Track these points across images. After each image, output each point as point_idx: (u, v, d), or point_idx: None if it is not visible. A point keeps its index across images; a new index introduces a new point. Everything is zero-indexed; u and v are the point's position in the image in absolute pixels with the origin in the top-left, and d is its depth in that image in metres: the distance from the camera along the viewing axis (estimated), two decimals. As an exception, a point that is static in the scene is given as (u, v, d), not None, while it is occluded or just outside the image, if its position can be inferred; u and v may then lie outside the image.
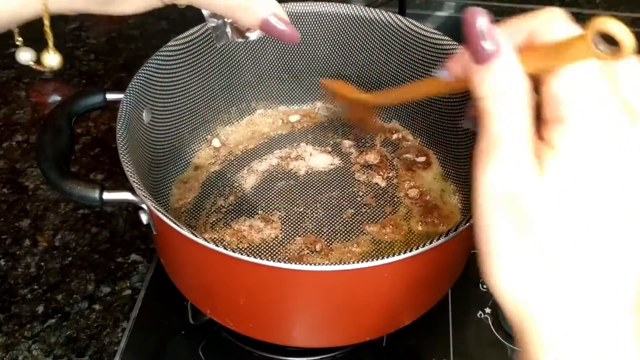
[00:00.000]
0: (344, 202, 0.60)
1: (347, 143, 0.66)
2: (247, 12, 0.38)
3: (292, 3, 0.62)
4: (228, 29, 0.41)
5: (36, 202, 0.67)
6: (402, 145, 0.66)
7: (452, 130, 0.61)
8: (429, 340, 0.54)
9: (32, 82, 0.82)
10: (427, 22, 0.94)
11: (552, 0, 0.96)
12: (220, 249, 0.40)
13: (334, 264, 0.40)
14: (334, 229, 0.58)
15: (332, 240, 0.57)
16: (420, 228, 0.58)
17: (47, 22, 0.36)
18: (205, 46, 0.59)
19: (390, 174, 0.63)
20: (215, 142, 0.65)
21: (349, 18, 0.62)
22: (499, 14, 0.94)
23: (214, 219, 0.58)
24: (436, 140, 0.63)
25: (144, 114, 0.53)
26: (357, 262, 0.40)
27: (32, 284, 0.59)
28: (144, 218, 0.46)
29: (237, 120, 0.67)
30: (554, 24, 0.29)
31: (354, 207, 0.60)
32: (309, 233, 0.57)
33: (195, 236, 0.40)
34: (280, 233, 0.57)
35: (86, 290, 0.59)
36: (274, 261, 0.40)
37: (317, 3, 0.62)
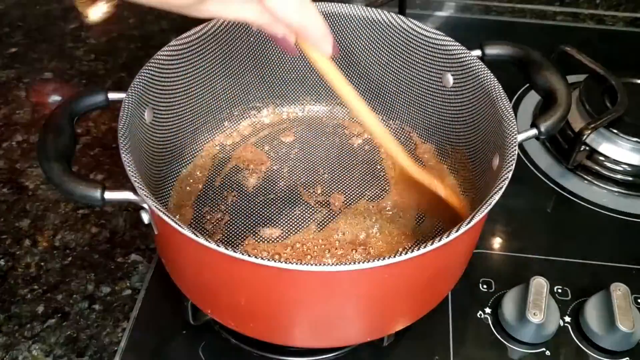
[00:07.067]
0: (346, 202, 0.60)
1: (348, 144, 0.66)
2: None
3: (293, 3, 0.62)
4: None
5: (36, 202, 0.67)
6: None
7: (453, 128, 0.61)
8: (429, 340, 0.54)
9: (32, 82, 0.82)
10: (427, 22, 0.93)
11: (551, 0, 0.97)
12: (222, 249, 0.40)
13: (335, 265, 0.40)
14: (335, 229, 0.58)
15: (334, 240, 0.57)
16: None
17: None
18: (207, 46, 0.59)
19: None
20: (217, 142, 0.65)
21: (350, 18, 0.62)
22: (499, 14, 0.94)
23: (215, 219, 0.58)
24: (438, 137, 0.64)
25: (145, 114, 0.53)
26: (358, 263, 0.40)
27: (32, 284, 0.59)
28: (145, 218, 0.46)
29: (239, 121, 0.67)
30: None
31: (356, 207, 0.60)
32: (310, 233, 0.57)
33: (197, 236, 0.40)
34: (282, 233, 0.57)
35: (86, 290, 0.59)
36: (274, 261, 0.40)
37: (318, 3, 0.62)
